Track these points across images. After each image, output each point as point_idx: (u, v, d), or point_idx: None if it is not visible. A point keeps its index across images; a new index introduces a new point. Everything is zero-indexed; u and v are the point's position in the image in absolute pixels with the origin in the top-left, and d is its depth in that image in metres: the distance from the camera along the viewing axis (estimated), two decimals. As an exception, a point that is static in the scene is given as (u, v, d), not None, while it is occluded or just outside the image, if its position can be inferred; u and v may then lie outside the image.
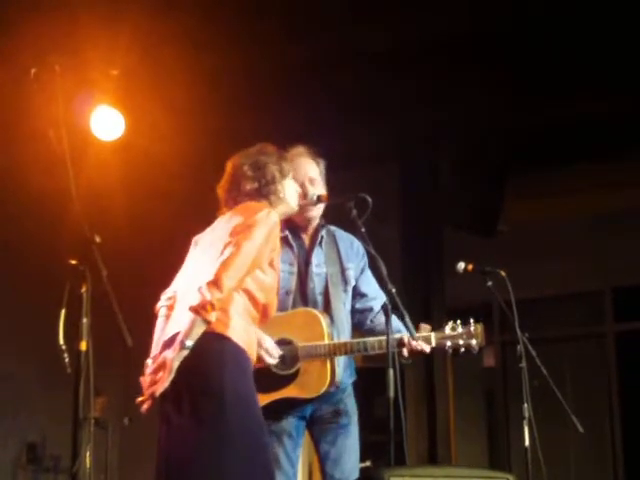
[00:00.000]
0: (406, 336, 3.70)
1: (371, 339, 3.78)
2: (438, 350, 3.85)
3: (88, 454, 2.96)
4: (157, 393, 3.17)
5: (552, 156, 7.06)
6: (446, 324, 3.83)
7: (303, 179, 3.85)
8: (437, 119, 6.96)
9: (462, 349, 3.82)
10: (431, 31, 5.81)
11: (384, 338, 3.70)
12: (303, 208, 3.85)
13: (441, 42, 5.87)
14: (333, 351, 3.76)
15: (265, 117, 6.20)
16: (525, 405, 4.23)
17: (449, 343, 3.81)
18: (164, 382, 3.13)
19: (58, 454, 6.92)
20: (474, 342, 3.80)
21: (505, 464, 7.55)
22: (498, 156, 7.22)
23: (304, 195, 3.82)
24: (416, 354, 3.77)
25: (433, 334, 3.80)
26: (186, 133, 6.37)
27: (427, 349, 3.78)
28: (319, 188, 3.93)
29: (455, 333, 3.80)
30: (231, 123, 6.15)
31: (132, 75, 5.83)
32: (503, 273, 4.34)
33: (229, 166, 3.61)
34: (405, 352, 3.72)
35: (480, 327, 3.82)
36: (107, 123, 6.05)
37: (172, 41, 5.63)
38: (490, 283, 4.36)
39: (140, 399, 3.28)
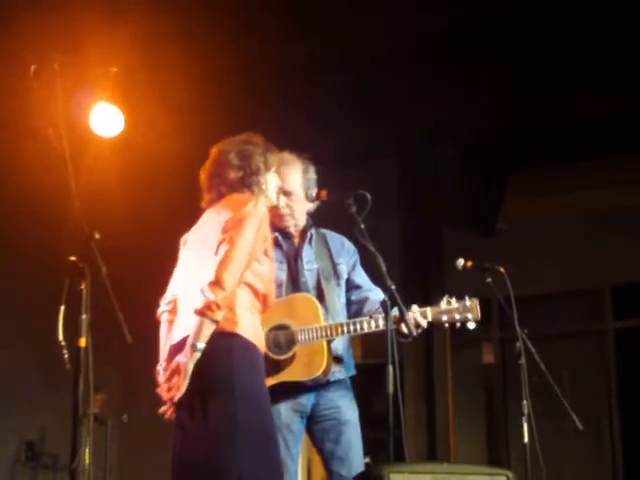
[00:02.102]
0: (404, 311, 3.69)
1: (367, 318, 3.80)
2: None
3: (87, 451, 2.96)
4: (175, 398, 3.17)
5: (552, 154, 7.06)
6: (441, 299, 3.84)
7: (279, 188, 3.81)
8: (437, 118, 6.97)
9: (458, 324, 3.84)
10: (431, 30, 5.81)
11: (380, 316, 3.72)
12: (276, 214, 3.83)
13: (441, 41, 5.87)
14: (329, 332, 3.78)
15: (264, 115, 6.20)
16: (524, 402, 4.24)
17: (445, 317, 3.83)
18: (180, 387, 3.13)
19: (57, 451, 6.92)
20: (470, 316, 3.82)
21: (504, 460, 7.55)
22: (498, 154, 7.22)
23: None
24: (417, 327, 3.76)
25: (429, 309, 3.83)
26: (185, 130, 6.37)
27: (424, 323, 3.79)
28: (296, 201, 3.94)
29: (451, 307, 3.83)
30: (230, 121, 6.12)
31: (131, 72, 5.83)
32: (502, 270, 4.35)
33: (214, 152, 3.58)
34: (404, 328, 3.70)
35: (475, 301, 3.85)
36: (106, 120, 6.04)
37: (171, 39, 5.63)
38: (489, 280, 4.36)
39: (163, 409, 3.29)
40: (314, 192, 3.91)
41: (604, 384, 7.70)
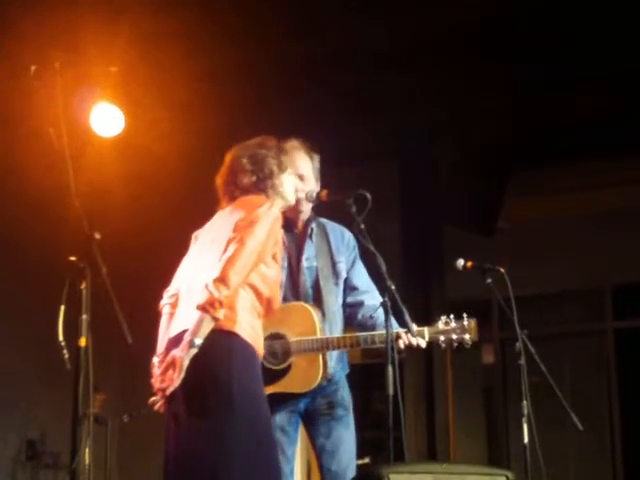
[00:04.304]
0: (402, 331, 3.70)
1: (364, 334, 3.79)
2: (437, 347, 3.86)
3: (87, 450, 2.96)
4: (168, 392, 3.17)
5: (552, 154, 7.06)
6: (439, 319, 3.83)
7: (294, 175, 3.85)
8: (437, 118, 6.97)
9: (455, 344, 3.83)
10: (431, 30, 5.81)
11: (377, 333, 3.72)
12: (295, 203, 3.85)
13: (441, 41, 5.87)
14: (325, 345, 3.77)
15: (264, 114, 6.20)
16: (524, 402, 4.24)
17: (442, 338, 3.81)
18: (174, 381, 3.12)
19: (57, 451, 6.92)
20: (467, 337, 3.81)
21: (504, 461, 7.56)
22: (498, 154, 7.23)
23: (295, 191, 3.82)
24: (411, 348, 3.77)
25: (426, 329, 3.81)
26: (186, 130, 6.38)
27: (423, 344, 3.79)
28: (309, 184, 3.94)
29: (448, 328, 3.81)
30: (230, 120, 6.15)
31: (132, 72, 5.83)
32: (502, 270, 4.34)
33: (228, 158, 3.60)
34: (401, 344, 3.72)
35: (473, 322, 3.83)
36: (107, 120, 6.04)
37: (171, 38, 5.63)
38: (489, 280, 4.36)
39: (152, 399, 3.29)
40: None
41: (604, 384, 7.71)
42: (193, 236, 3.62)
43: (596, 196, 7.49)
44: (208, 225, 3.57)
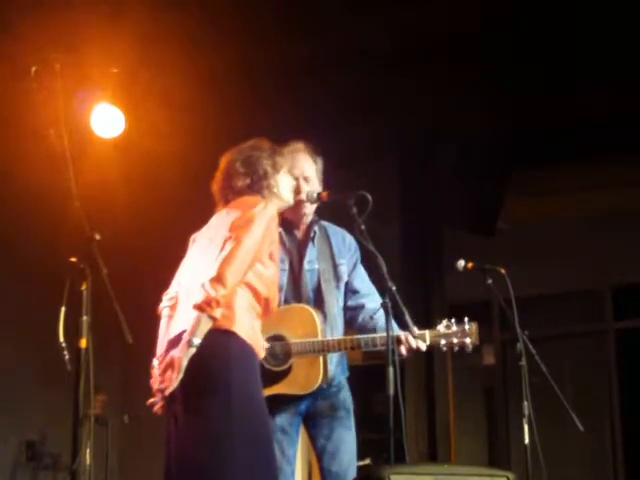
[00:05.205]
0: (403, 334, 3.70)
1: (365, 336, 3.78)
2: (437, 348, 3.85)
3: (88, 451, 2.96)
4: (167, 393, 3.16)
5: (552, 154, 7.06)
6: (440, 322, 3.83)
7: (298, 176, 3.85)
8: (437, 118, 6.97)
9: (456, 348, 3.82)
10: (431, 30, 5.81)
11: (378, 335, 3.71)
12: (299, 205, 3.85)
13: (441, 41, 5.88)
14: (326, 348, 3.76)
15: (264, 115, 6.21)
16: (525, 403, 4.24)
17: (443, 341, 3.80)
18: (173, 381, 3.12)
19: (58, 452, 6.92)
20: (468, 341, 3.80)
21: (505, 462, 7.55)
22: (498, 154, 7.23)
23: (297, 192, 3.82)
24: (413, 351, 3.77)
25: (427, 332, 3.80)
26: (186, 131, 6.37)
27: (423, 347, 3.78)
28: (314, 186, 3.93)
29: (449, 331, 3.80)
30: (231, 121, 6.15)
31: (132, 73, 5.83)
32: (503, 271, 4.35)
33: (222, 162, 3.60)
34: (403, 350, 3.72)
35: (474, 326, 3.81)
36: (107, 121, 6.04)
37: (172, 39, 5.63)
38: (490, 281, 4.36)
39: (151, 400, 3.28)
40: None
41: (605, 385, 7.70)
42: (191, 239, 3.61)
43: (596, 197, 7.49)
44: (205, 227, 3.56)
